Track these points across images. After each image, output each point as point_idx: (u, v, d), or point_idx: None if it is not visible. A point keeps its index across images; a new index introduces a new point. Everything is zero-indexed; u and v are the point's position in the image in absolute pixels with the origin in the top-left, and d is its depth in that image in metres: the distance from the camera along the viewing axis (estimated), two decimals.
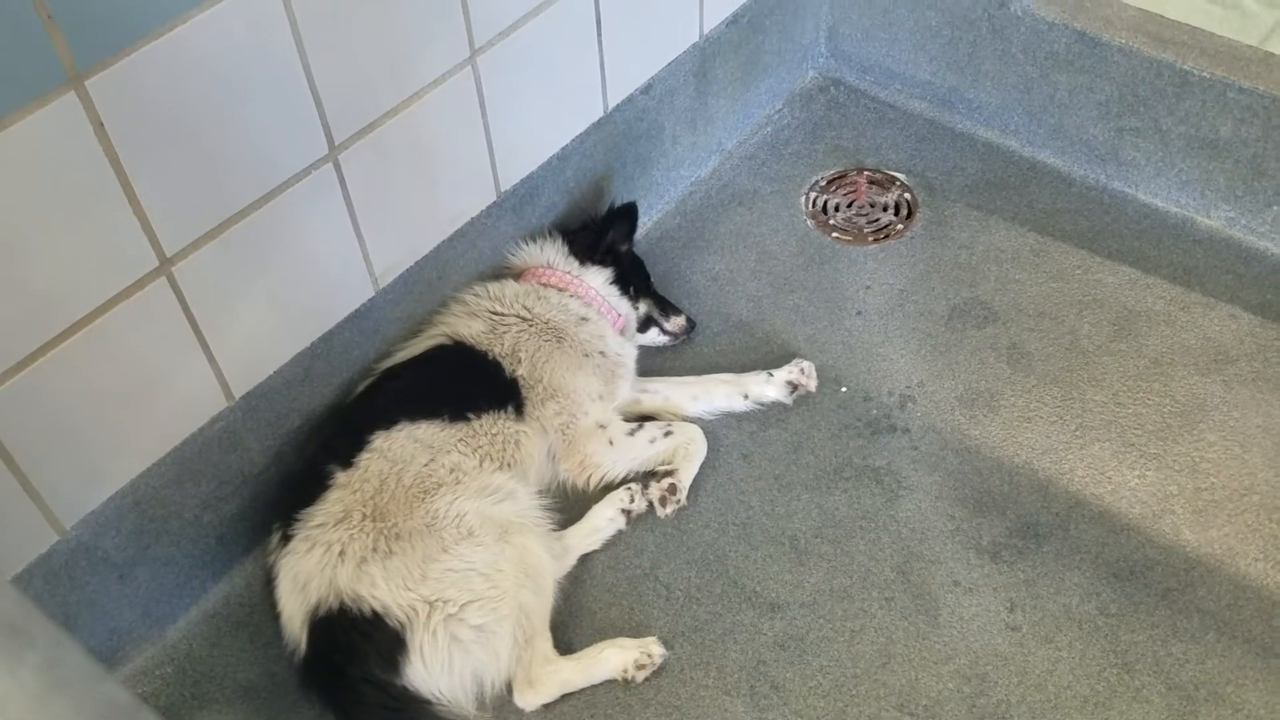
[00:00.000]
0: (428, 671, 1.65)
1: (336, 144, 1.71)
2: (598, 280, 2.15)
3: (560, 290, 2.10)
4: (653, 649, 1.77)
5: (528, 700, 1.73)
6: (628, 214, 2.19)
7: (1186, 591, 1.82)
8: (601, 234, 2.16)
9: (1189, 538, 1.89)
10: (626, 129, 2.32)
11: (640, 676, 1.75)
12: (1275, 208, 2.30)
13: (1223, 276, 2.30)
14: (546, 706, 1.74)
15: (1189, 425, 2.05)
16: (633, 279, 2.22)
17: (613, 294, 2.17)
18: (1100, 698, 1.71)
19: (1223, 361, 2.15)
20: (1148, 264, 2.34)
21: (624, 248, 2.23)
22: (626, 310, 2.19)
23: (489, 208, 2.07)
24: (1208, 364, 2.15)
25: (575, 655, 1.77)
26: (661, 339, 2.26)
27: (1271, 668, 1.72)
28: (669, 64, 2.34)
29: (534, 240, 2.16)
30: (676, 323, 2.24)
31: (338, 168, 1.73)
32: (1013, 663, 1.75)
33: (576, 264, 2.15)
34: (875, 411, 2.12)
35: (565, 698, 1.74)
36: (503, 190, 2.09)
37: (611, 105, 2.25)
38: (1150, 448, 2.02)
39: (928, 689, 1.73)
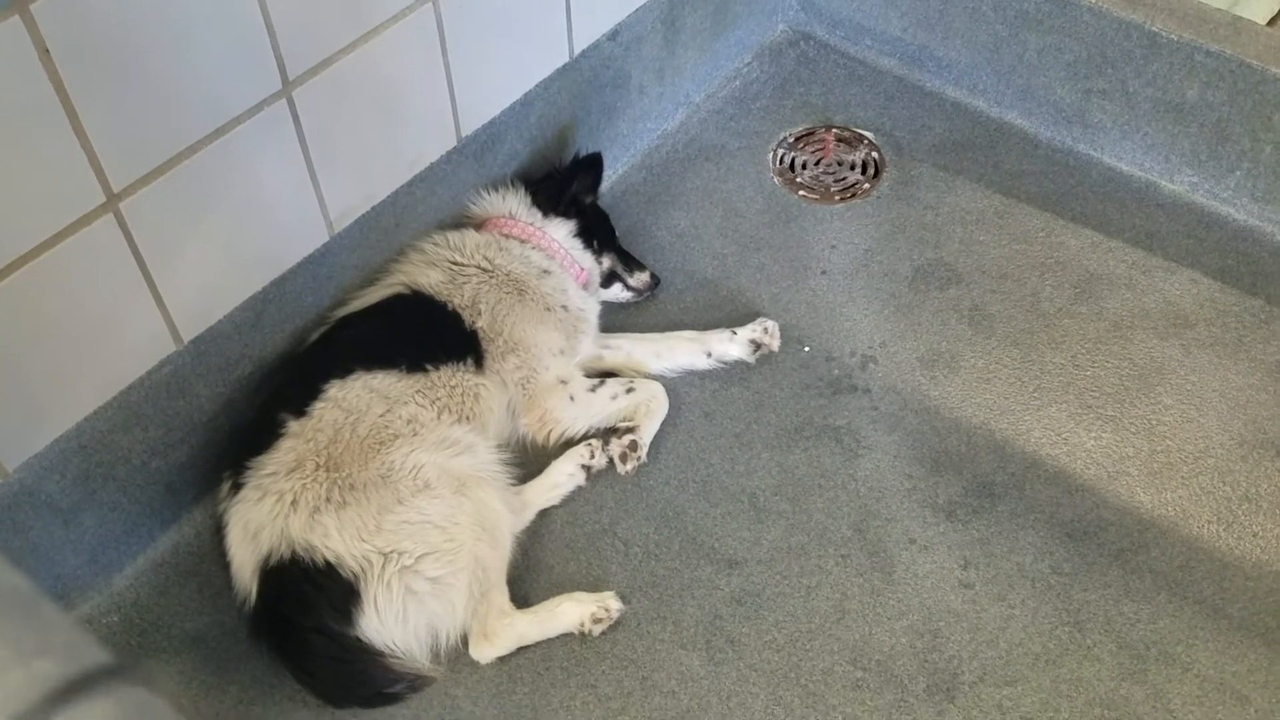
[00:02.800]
0: (381, 623, 1.63)
1: (290, 79, 1.65)
2: (561, 233, 2.12)
3: (522, 242, 2.06)
4: (609, 603, 1.76)
5: (483, 653, 1.72)
6: (593, 165, 2.16)
7: (1139, 552, 1.84)
8: (565, 185, 2.13)
9: (1143, 499, 1.91)
10: (592, 76, 2.28)
11: (597, 630, 1.75)
12: (1238, 173, 2.31)
13: (1184, 241, 2.31)
14: (502, 659, 1.73)
15: (1146, 388, 2.07)
16: (596, 232, 2.18)
17: (576, 247, 2.14)
18: (1051, 655, 1.72)
19: (1181, 326, 2.16)
20: (1110, 227, 2.34)
21: (588, 200, 2.19)
22: (590, 264, 2.16)
23: (449, 153, 2.02)
24: (1167, 328, 2.16)
25: (532, 609, 1.76)
26: (625, 295, 2.23)
27: (1221, 628, 1.75)
28: (637, 9, 2.29)
29: (496, 189, 2.12)
30: (640, 279, 2.22)
31: (291, 105, 1.67)
32: (965, 619, 1.76)
33: (539, 215, 2.11)
34: (837, 371, 2.12)
35: (521, 651, 1.73)
36: (464, 136, 2.04)
37: (578, 50, 2.20)
38: (1107, 410, 2.04)
39: (881, 644, 1.74)
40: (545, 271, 2.04)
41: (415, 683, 1.68)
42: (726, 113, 2.62)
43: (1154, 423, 2.02)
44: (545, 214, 2.12)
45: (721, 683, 1.70)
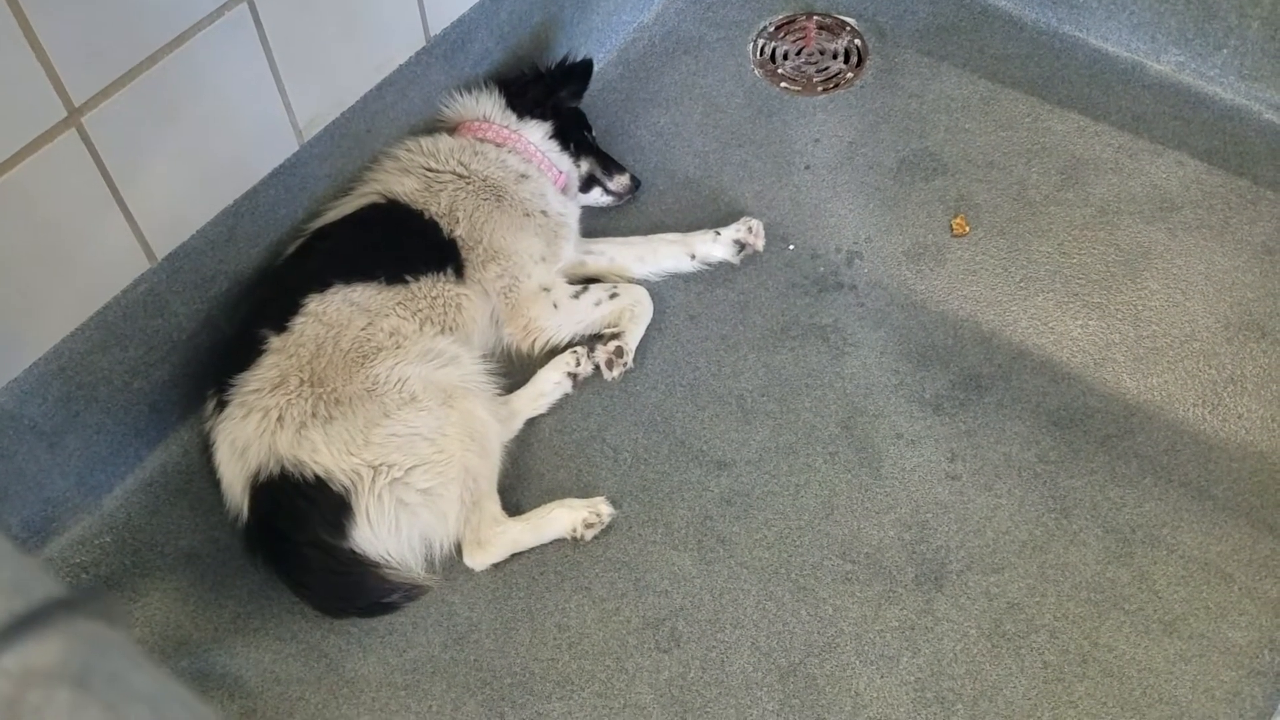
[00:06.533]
0: (374, 535, 1.64)
1: None
2: (537, 135, 2.06)
3: (498, 145, 2.02)
4: (601, 508, 1.77)
5: (477, 560, 1.74)
6: (584, 72, 2.10)
7: (1125, 438, 1.86)
8: (553, 90, 2.07)
9: (1129, 385, 1.92)
10: None
11: (589, 535, 1.76)
12: (1225, 51, 2.26)
13: (1171, 122, 2.28)
14: (497, 566, 1.74)
15: (1132, 274, 2.06)
16: (573, 134, 2.13)
17: (553, 150, 2.09)
18: (1038, 542, 1.75)
19: (1168, 209, 2.14)
20: (1097, 111, 2.30)
21: (572, 105, 2.13)
22: (568, 167, 2.11)
23: (418, 54, 1.96)
24: (1153, 212, 2.14)
25: (524, 516, 1.77)
26: (605, 199, 2.19)
27: (1206, 510, 1.77)
28: None
29: (469, 91, 2.06)
30: (620, 181, 2.17)
31: (252, 7, 1.61)
32: (952, 510, 1.78)
33: (514, 117, 2.06)
34: (822, 269, 2.09)
35: (515, 557, 1.75)
36: (433, 35, 1.97)
37: None
38: (1093, 297, 2.03)
39: (869, 538, 1.76)
40: (523, 176, 2.00)
41: (411, 592, 1.69)
42: (704, 2, 2.54)
43: (1140, 308, 2.01)
44: (520, 116, 2.06)
45: (713, 581, 1.72)
